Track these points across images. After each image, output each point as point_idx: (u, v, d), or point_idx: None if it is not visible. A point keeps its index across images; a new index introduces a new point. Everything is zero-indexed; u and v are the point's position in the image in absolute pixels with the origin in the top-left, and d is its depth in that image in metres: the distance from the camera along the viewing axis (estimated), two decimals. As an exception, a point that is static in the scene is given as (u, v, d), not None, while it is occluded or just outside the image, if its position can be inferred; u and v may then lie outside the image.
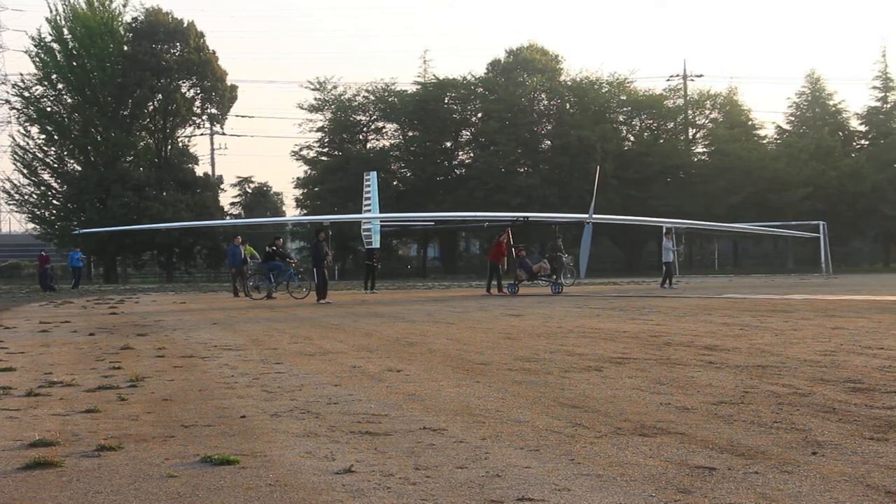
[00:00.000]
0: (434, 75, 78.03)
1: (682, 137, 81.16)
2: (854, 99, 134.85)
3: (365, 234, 44.70)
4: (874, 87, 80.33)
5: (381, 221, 44.64)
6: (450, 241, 77.58)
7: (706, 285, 42.03)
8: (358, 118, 77.25)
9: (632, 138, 79.62)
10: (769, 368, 11.00)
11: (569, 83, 77.48)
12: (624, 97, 78.70)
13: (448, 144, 77.57)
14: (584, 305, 26.51)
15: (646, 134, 79.89)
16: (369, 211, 45.75)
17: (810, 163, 70.94)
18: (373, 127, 77.84)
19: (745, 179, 68.94)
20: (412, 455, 6.69)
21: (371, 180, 46.69)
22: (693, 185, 72.12)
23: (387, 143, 78.48)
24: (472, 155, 77.15)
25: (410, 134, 76.90)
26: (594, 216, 35.92)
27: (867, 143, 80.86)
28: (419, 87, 77.03)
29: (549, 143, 76.44)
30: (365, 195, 46.94)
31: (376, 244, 43.37)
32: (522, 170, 73.58)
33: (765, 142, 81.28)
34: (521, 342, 15.27)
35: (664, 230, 42.11)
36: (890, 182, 71.06)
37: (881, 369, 10.67)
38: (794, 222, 56.91)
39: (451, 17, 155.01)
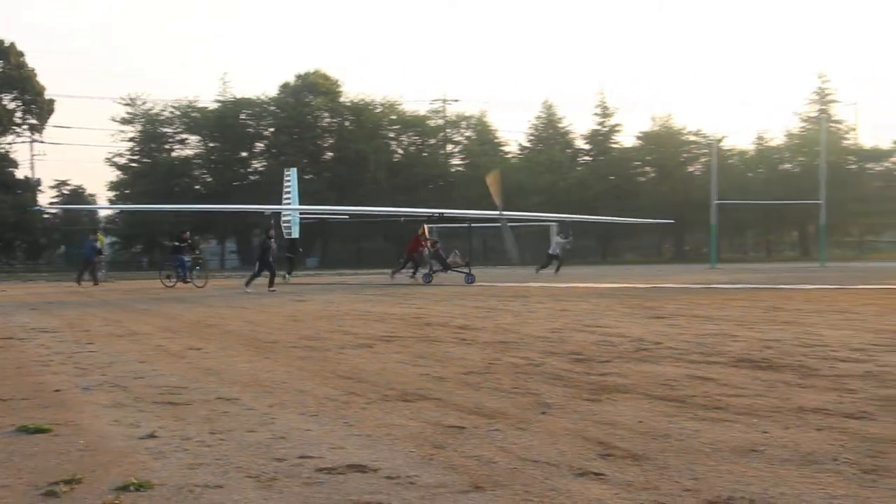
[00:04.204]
0: (232, 94, 77.49)
1: (441, 151, 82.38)
2: (580, 123, 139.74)
3: (285, 225, 43.09)
4: (595, 114, 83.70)
5: (300, 214, 43.12)
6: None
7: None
8: (165, 130, 75.83)
9: (400, 151, 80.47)
10: (510, 344, 11.25)
11: (348, 104, 77.95)
12: (394, 117, 79.59)
13: (244, 154, 77.30)
14: (360, 292, 26.56)
15: (412, 148, 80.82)
16: (289, 204, 44.38)
17: (545, 175, 73.32)
18: (178, 138, 76.51)
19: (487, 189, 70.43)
20: (208, 421, 6.54)
21: (291, 176, 45.53)
22: (451, 191, 73.24)
23: (190, 153, 77.42)
24: (265, 164, 76.92)
25: (211, 145, 76.10)
26: (504, 213, 35.46)
27: (590, 159, 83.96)
28: (219, 104, 76.53)
29: (331, 154, 76.92)
30: (285, 189, 45.70)
31: (296, 234, 41.78)
32: (308, 176, 73.58)
33: (509, 156, 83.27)
34: (305, 323, 15.17)
35: (557, 228, 42.52)
36: (607, 192, 74.04)
37: (598, 343, 11.07)
38: (531, 224, 58.23)
39: (247, 46, 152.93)
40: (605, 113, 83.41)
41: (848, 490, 4.41)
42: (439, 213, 37.26)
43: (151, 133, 74.53)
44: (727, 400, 6.95)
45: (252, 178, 75.98)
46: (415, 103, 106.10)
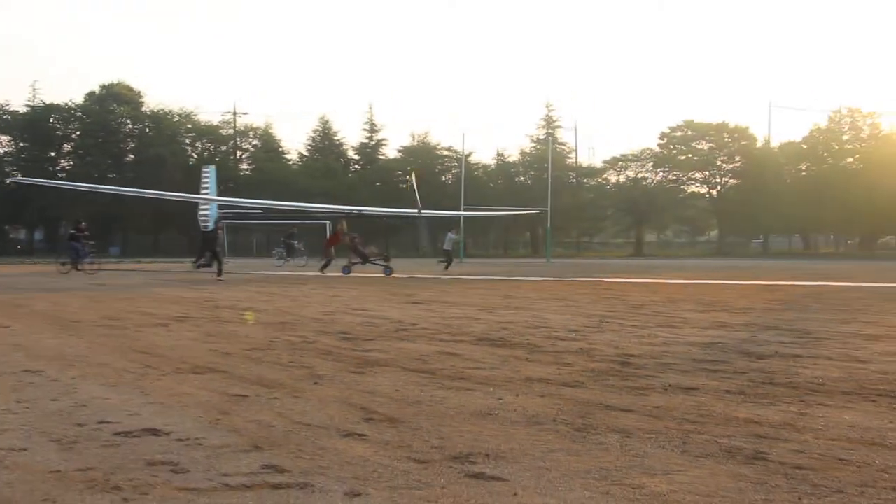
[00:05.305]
0: (42, 100, 74.53)
1: (231, 157, 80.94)
2: (352, 136, 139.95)
3: (203, 219, 40.04)
4: (364, 129, 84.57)
5: (219, 206, 40.41)
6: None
7: (251, 265, 41.87)
8: (-26, 131, 71.73)
9: (195, 156, 78.49)
10: (288, 324, 11.20)
11: (149, 113, 76.25)
12: (190, 125, 78.17)
13: (52, 154, 74.49)
14: (155, 279, 25.65)
15: (206, 153, 78.99)
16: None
17: (322, 180, 73.16)
18: (-12, 138, 72.74)
19: (281, 190, 69.63)
20: (14, 391, 6.18)
21: (210, 173, 43.01)
22: (244, 194, 71.82)
23: (1, 151, 74.18)
24: (72, 163, 74.19)
25: (21, 144, 73.02)
26: (422, 210, 33.82)
27: (360, 167, 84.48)
28: (29, 108, 73.54)
29: (133, 156, 75.14)
30: (203, 185, 43.86)
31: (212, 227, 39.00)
32: (111, 175, 71.42)
33: (291, 164, 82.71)
34: (105, 304, 14.53)
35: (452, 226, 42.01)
36: (374, 196, 74.58)
37: (363, 324, 11.18)
38: (315, 221, 57.65)
39: (58, 54, 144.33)
40: (372, 129, 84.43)
41: (563, 444, 4.68)
42: (358, 210, 35.18)
43: (-39, 132, 70.46)
44: (469, 372, 7.19)
45: (60, 175, 72.63)
46: (209, 114, 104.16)
